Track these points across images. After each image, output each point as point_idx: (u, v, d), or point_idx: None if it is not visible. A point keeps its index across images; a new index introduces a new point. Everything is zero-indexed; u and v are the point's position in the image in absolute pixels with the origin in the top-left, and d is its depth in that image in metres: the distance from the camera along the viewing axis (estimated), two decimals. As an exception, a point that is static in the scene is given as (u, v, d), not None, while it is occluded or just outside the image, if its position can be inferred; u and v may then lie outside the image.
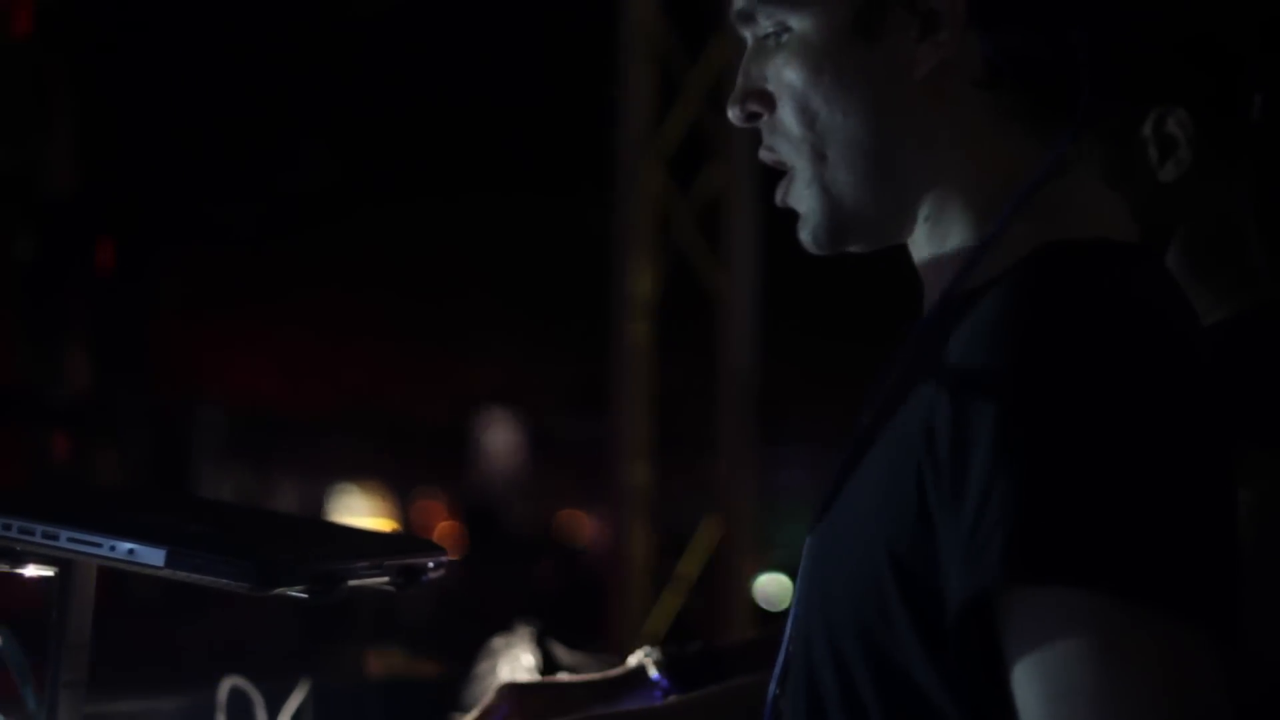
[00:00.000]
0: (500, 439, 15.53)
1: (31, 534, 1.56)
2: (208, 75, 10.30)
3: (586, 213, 7.43)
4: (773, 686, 1.62)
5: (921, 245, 1.61)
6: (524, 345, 14.04)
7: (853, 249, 1.64)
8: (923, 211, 1.59)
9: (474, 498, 15.24)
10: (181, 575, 1.53)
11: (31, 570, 1.63)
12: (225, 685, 2.35)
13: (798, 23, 1.58)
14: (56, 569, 1.63)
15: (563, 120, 10.33)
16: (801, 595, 1.58)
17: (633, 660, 2.26)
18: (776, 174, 1.66)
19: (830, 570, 1.53)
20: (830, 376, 8.24)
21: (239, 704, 2.34)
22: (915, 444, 1.43)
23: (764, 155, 1.64)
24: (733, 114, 1.64)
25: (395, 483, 16.41)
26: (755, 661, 2.19)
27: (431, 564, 1.74)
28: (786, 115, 1.60)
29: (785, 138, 1.61)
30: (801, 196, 1.62)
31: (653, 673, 2.24)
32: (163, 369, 12.14)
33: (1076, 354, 1.38)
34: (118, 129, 9.49)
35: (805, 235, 1.63)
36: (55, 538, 1.56)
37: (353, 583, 1.62)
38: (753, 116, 1.63)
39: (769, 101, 1.62)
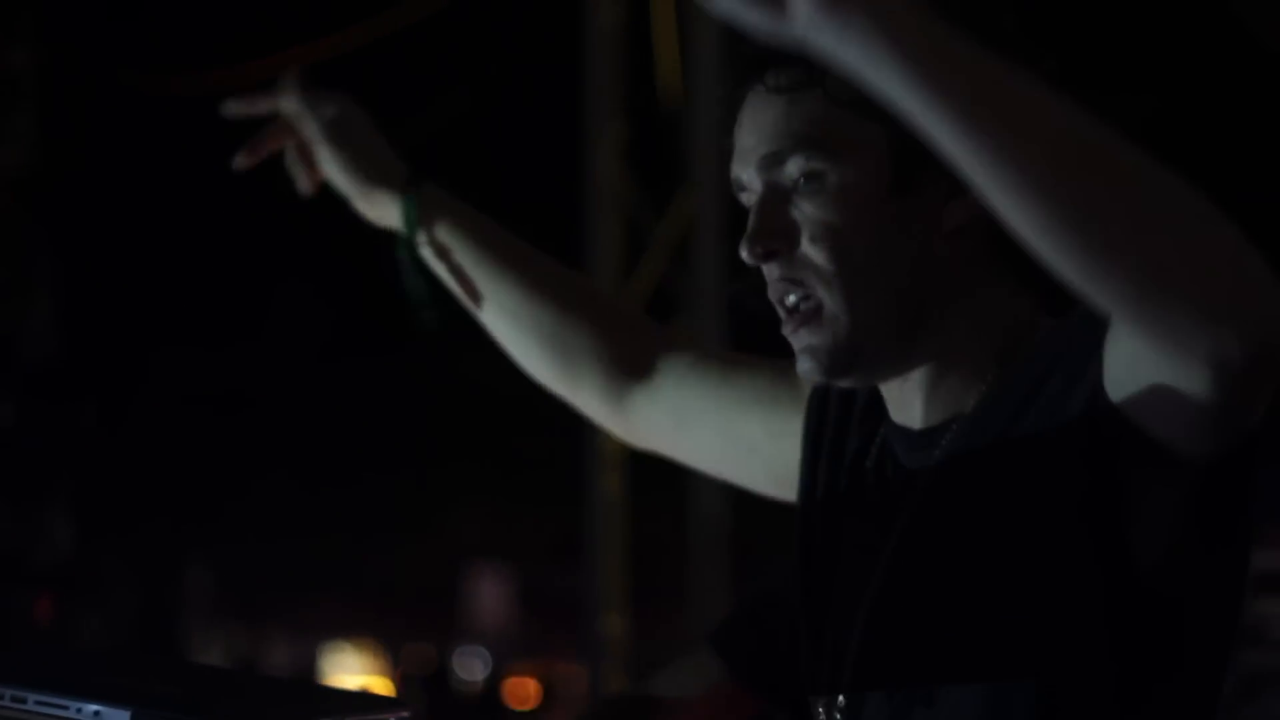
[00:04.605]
0: (488, 593, 15.46)
1: (0, 697, 1.60)
2: (186, 237, 10.39)
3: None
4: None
5: (915, 378, 1.71)
6: (507, 501, 14.03)
7: (848, 383, 1.74)
8: (929, 349, 1.68)
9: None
10: (145, 735, 1.56)
11: (-1, 734, 1.66)
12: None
13: (837, 172, 1.64)
14: (23, 732, 1.66)
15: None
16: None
17: None
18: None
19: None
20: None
21: None
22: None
23: (782, 289, 1.68)
24: (746, 252, 1.68)
25: (386, 639, 16.30)
26: None
27: (393, 719, 1.77)
28: (818, 254, 1.65)
29: (814, 272, 1.66)
30: (817, 330, 1.67)
31: None
32: (149, 529, 12.11)
33: None
34: (98, 291, 9.55)
35: (809, 364, 1.68)
36: (23, 700, 1.59)
37: (311, 740, 1.65)
38: (770, 255, 1.67)
39: (792, 240, 1.66)
